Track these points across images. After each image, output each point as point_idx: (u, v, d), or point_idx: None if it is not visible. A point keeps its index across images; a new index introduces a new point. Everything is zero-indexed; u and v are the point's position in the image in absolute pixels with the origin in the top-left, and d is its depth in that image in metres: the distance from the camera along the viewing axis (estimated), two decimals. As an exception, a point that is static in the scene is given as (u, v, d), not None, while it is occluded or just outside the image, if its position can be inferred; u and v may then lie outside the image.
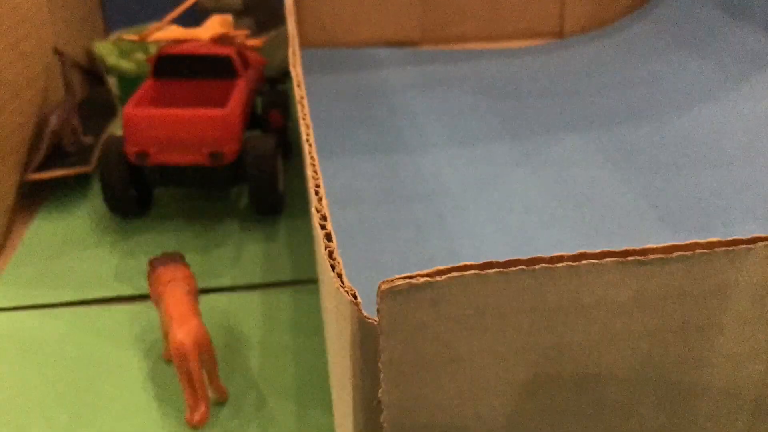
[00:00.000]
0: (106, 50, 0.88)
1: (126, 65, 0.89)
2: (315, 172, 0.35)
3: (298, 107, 0.42)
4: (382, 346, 0.26)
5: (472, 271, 0.25)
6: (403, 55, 0.97)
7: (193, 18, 0.95)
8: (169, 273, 0.49)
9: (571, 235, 0.63)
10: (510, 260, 0.25)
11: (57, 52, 0.80)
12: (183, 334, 0.44)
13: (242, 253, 0.64)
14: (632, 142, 0.77)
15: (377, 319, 0.26)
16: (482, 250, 0.61)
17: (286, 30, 0.93)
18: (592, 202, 0.67)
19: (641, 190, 0.69)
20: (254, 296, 0.58)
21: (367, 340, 0.26)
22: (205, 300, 0.57)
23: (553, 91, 0.89)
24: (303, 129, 0.39)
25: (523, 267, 0.25)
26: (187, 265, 0.51)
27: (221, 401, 0.47)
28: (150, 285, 0.50)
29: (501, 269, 0.25)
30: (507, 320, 0.26)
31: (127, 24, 0.93)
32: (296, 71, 0.46)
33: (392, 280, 0.25)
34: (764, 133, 0.78)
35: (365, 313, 0.26)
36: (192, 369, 0.44)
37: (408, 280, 0.25)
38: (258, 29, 0.90)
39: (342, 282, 0.27)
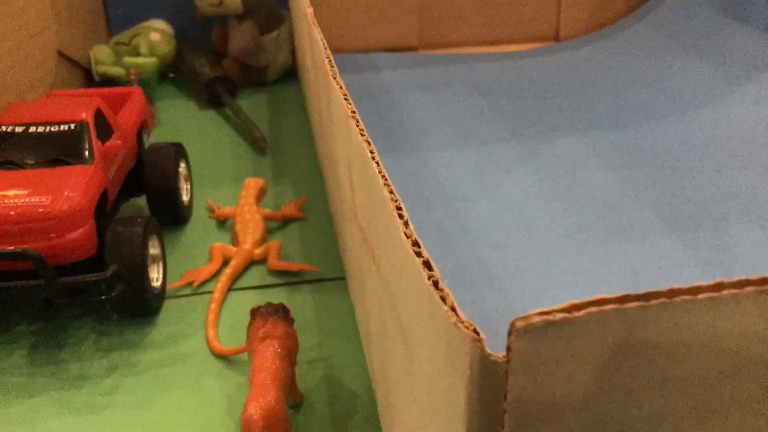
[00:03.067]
0: (102, 55, 0.85)
1: (115, 71, 0.86)
2: (392, 192, 0.33)
3: (351, 123, 0.39)
4: (510, 385, 0.24)
5: (612, 306, 0.23)
6: (403, 59, 0.95)
7: (192, 18, 0.93)
8: (266, 328, 0.45)
9: (573, 234, 0.62)
10: (648, 292, 0.24)
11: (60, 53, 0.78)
12: (254, 408, 0.40)
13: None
14: (631, 143, 0.77)
15: (502, 356, 0.24)
16: (486, 253, 0.60)
17: (286, 32, 0.91)
18: (592, 201, 0.67)
19: (640, 191, 0.69)
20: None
21: (488, 378, 0.25)
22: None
23: (551, 93, 0.88)
24: (364, 146, 0.37)
25: (664, 299, 0.24)
26: (289, 321, 0.46)
27: None
28: (247, 336, 0.46)
29: (641, 302, 0.23)
30: (642, 355, 0.24)
31: (130, 27, 0.91)
32: (339, 82, 0.44)
33: (527, 317, 0.23)
34: (763, 135, 0.79)
35: (488, 350, 0.24)
36: None
37: (544, 317, 0.23)
38: (259, 31, 0.88)
39: (458, 316, 0.25)
